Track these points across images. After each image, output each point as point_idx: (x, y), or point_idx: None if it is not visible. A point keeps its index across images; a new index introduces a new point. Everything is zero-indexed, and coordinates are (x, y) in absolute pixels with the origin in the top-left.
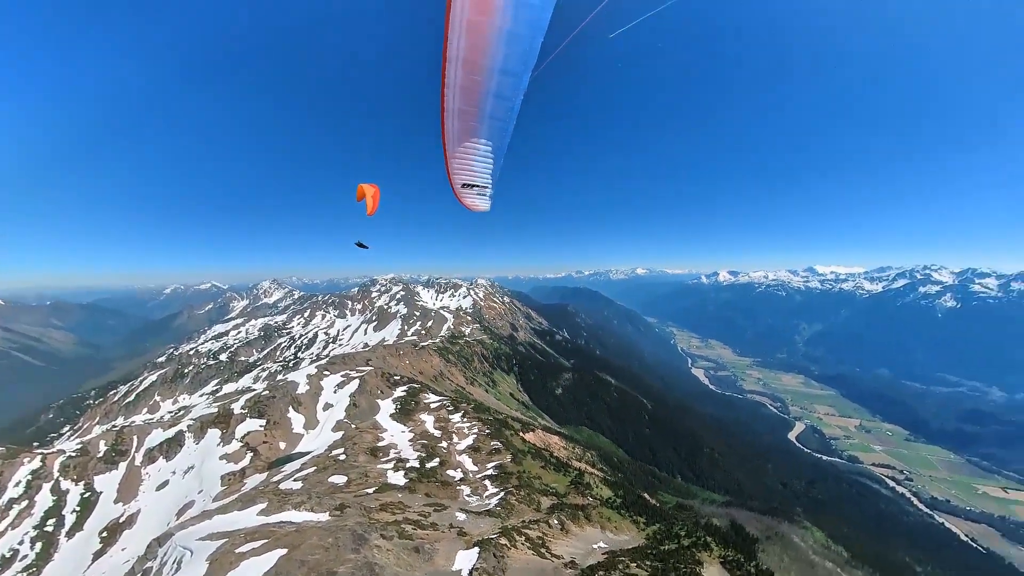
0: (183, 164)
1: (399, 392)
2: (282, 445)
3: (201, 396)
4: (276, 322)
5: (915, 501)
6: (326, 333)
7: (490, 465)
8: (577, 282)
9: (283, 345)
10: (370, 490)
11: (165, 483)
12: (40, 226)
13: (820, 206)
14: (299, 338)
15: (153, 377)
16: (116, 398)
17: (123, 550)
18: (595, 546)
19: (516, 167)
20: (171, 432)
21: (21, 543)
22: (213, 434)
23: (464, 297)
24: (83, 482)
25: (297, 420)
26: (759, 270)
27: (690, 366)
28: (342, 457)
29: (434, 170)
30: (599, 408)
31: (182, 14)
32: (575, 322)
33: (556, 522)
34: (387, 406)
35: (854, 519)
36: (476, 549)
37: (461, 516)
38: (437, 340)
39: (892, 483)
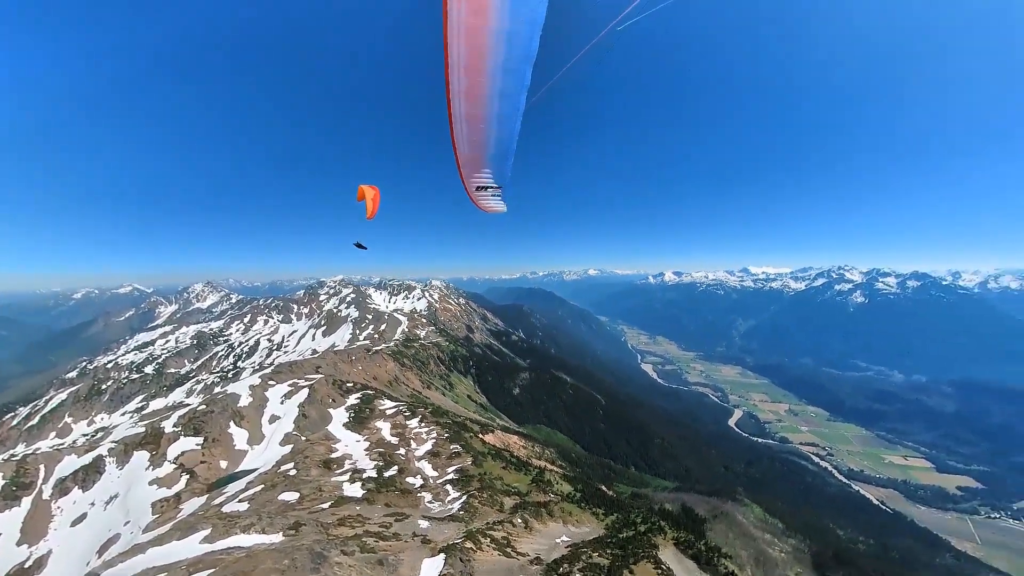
0: (94, 153)
1: (352, 400)
2: (223, 464)
3: (124, 415)
4: (211, 329)
5: (835, 473)
6: (269, 340)
7: (451, 469)
8: (532, 283)
9: (220, 354)
10: (326, 505)
11: (82, 517)
12: None
13: (754, 213)
14: (239, 346)
15: (62, 395)
16: (14, 422)
17: None
18: (558, 540)
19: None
20: (88, 458)
21: None
22: (140, 457)
23: (418, 299)
24: None
25: (240, 436)
26: (700, 271)
27: (640, 362)
28: (293, 472)
29: (389, 166)
30: (556, 406)
31: None
32: (530, 322)
33: (520, 521)
34: (340, 415)
35: (786, 493)
36: (442, 556)
37: (424, 524)
38: (391, 344)
39: (816, 459)
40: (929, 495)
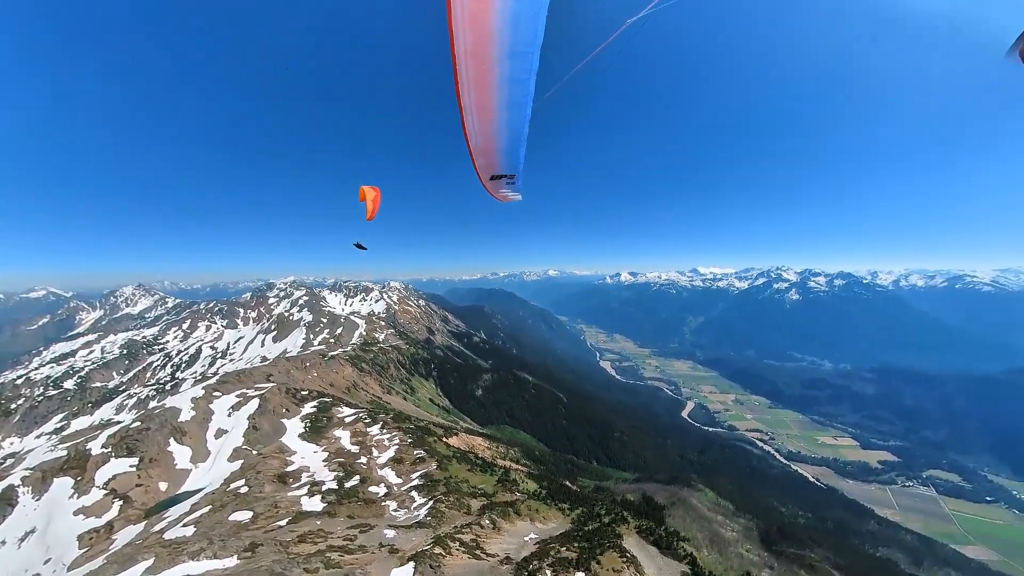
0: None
1: (308, 409)
2: (163, 486)
3: (39, 437)
4: (144, 336)
5: (777, 456)
6: (212, 347)
7: (415, 475)
8: (493, 283)
9: (155, 364)
10: (283, 522)
11: None
12: None
13: (703, 216)
14: (177, 355)
15: None
16: None
17: None
18: (527, 538)
19: (431, 170)
20: None
21: None
22: (62, 484)
23: (376, 301)
24: None
25: (181, 454)
26: (654, 271)
27: (598, 359)
28: (244, 489)
29: (345, 160)
30: (519, 406)
31: None
32: (492, 323)
33: (488, 522)
34: (294, 425)
35: (735, 477)
36: (411, 564)
37: (390, 533)
38: (348, 348)
39: (760, 443)
40: (855, 470)
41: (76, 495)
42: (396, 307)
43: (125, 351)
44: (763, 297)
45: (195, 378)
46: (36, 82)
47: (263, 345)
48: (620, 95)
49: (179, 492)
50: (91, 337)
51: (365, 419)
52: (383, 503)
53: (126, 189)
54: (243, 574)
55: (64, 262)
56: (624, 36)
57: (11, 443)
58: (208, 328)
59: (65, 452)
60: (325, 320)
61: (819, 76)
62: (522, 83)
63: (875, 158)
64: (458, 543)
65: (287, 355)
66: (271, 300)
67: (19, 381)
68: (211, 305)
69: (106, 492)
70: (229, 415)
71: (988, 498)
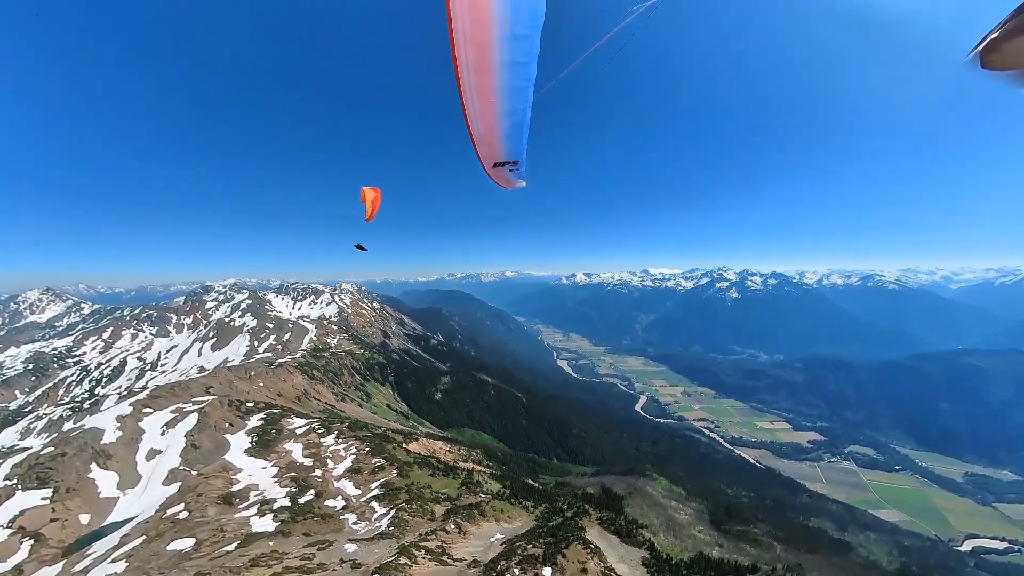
0: None
1: (254, 422)
2: (84, 519)
3: None
4: (55, 348)
5: (722, 442)
6: (140, 358)
7: (375, 485)
8: (450, 285)
9: (70, 380)
10: (231, 547)
11: None
12: None
13: (652, 219)
14: (97, 368)
15: None
16: None
17: None
18: (493, 539)
19: (386, 168)
20: None
21: None
22: None
23: (327, 304)
24: None
25: (106, 480)
26: (608, 272)
27: (555, 358)
28: (184, 515)
29: (290, 156)
30: (479, 407)
31: None
32: (449, 325)
33: (453, 526)
34: (240, 440)
35: (686, 464)
36: None
37: (351, 547)
38: (298, 355)
39: (707, 431)
40: (789, 450)
41: None
42: (349, 310)
43: (31, 366)
44: (707, 296)
45: (120, 394)
46: None
47: (200, 354)
48: (574, 101)
49: (105, 524)
50: None
51: (318, 429)
52: (342, 517)
53: (28, 176)
54: None
55: None
56: (627, 30)
57: None
58: (134, 337)
59: None
60: (271, 325)
61: (757, 94)
62: (523, 67)
63: (801, 168)
64: (423, 551)
65: (229, 364)
66: (209, 304)
67: None
68: (137, 311)
69: (12, 531)
70: (163, 433)
71: (897, 467)
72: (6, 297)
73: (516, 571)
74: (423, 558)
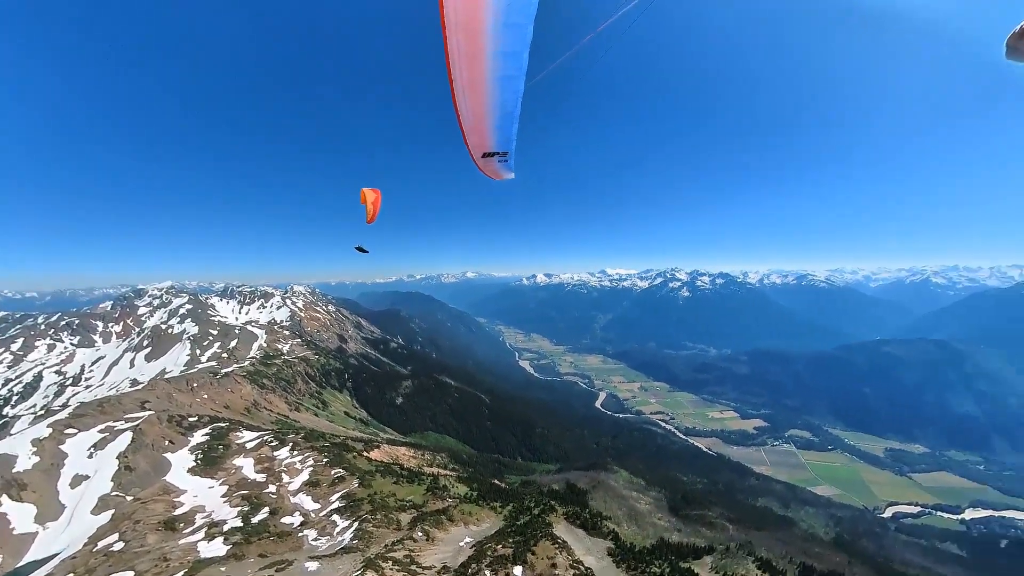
0: None
1: (199, 437)
2: None
3: None
4: None
5: (677, 433)
6: (59, 372)
7: (335, 497)
8: (409, 286)
9: None
10: None
11: None
12: None
13: (609, 220)
14: (4, 385)
15: None
16: None
17: None
18: (462, 543)
19: (343, 163)
20: None
21: None
22: None
23: (278, 308)
24: None
25: (21, 514)
26: (567, 272)
27: (517, 359)
28: (119, 546)
29: (237, 149)
30: (442, 410)
31: None
32: (409, 327)
33: (420, 534)
34: (182, 459)
35: (644, 456)
36: None
37: (313, 566)
38: (246, 363)
39: (663, 424)
40: (737, 437)
41: None
42: (302, 314)
43: None
44: (661, 295)
45: (36, 413)
46: None
47: (133, 365)
48: (536, 102)
49: (21, 564)
50: None
51: (271, 442)
52: (301, 534)
53: None
54: None
55: None
56: (621, 22)
57: None
58: (51, 348)
59: None
60: (216, 332)
61: (702, 100)
62: (515, 56)
63: (746, 174)
64: (391, 562)
65: (167, 376)
66: (141, 310)
67: None
68: (54, 318)
69: None
70: (90, 456)
71: (829, 447)
72: None
73: (487, 573)
74: (391, 569)
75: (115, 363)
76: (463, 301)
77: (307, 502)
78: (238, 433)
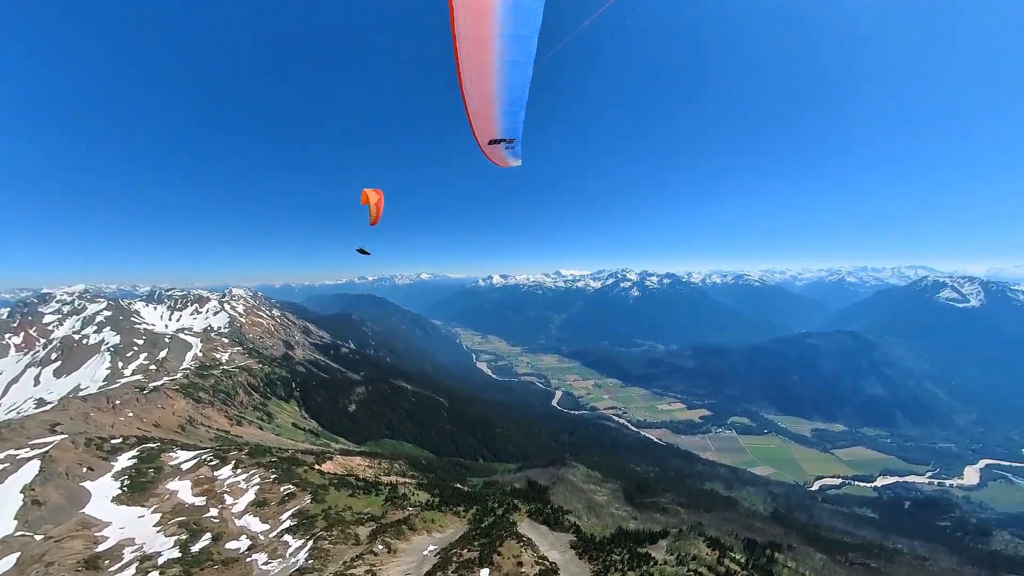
0: None
1: (124, 462)
2: None
3: None
4: None
5: (629, 426)
6: None
7: (286, 515)
8: (360, 288)
9: None
10: None
11: None
12: None
13: (562, 222)
14: None
15: None
16: None
17: None
18: (426, 552)
19: (288, 156)
20: None
21: None
22: None
23: (216, 313)
24: None
25: None
26: (523, 274)
27: (475, 361)
28: None
29: (166, 139)
30: (399, 416)
31: None
32: (362, 331)
33: (381, 547)
34: (104, 487)
35: (600, 449)
36: None
37: None
38: (179, 376)
39: (616, 418)
40: (685, 427)
41: None
42: (243, 319)
43: None
44: (612, 295)
45: None
46: None
47: (38, 382)
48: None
49: None
50: None
51: (210, 461)
52: (249, 559)
53: None
54: None
55: None
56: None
57: None
58: None
59: None
60: (141, 341)
61: (648, 112)
62: (525, 40)
63: (692, 177)
64: None
65: (82, 393)
66: (48, 318)
67: None
68: None
69: None
70: None
71: (765, 431)
72: None
73: None
74: None
75: (15, 380)
76: (418, 303)
77: (255, 524)
78: (171, 453)
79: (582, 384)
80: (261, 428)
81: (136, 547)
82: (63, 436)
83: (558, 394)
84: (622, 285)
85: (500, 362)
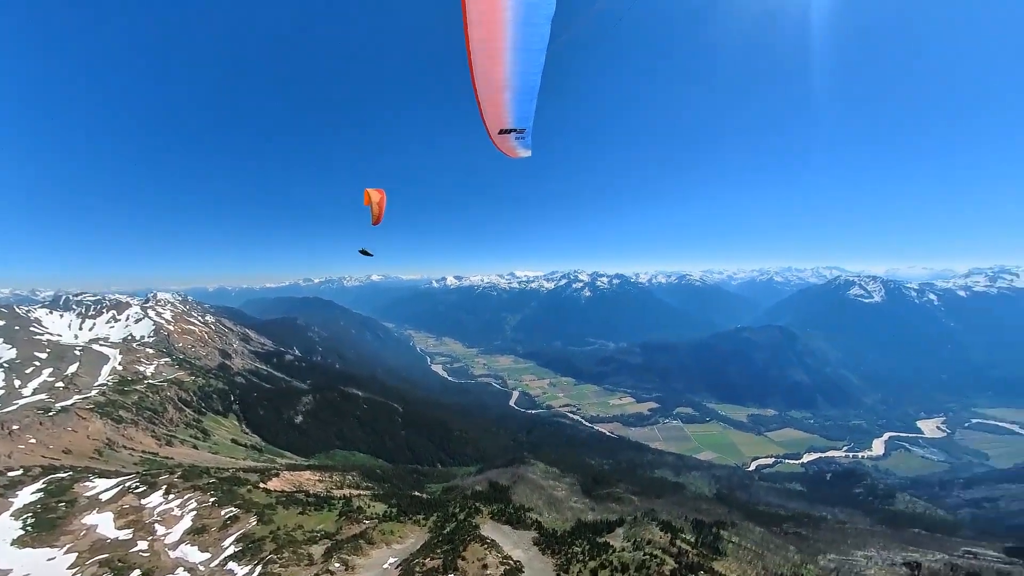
0: None
1: (27, 496)
2: None
3: None
4: None
5: (584, 422)
6: None
7: (229, 541)
8: (306, 291)
9: None
10: None
11: None
12: None
13: (516, 223)
14: None
15: None
16: None
17: None
18: (386, 565)
19: (220, 149)
20: None
21: None
22: None
23: (137, 320)
24: None
25: None
26: (477, 275)
27: (430, 364)
28: None
29: (72, 128)
30: (350, 425)
31: None
32: (307, 337)
33: (338, 564)
34: (2, 529)
35: (557, 446)
36: None
37: None
38: (93, 393)
39: (571, 415)
40: (635, 419)
41: None
42: (171, 327)
43: None
44: (565, 295)
45: None
46: None
47: None
48: (438, 97)
49: None
50: None
51: (136, 488)
52: None
53: None
54: None
55: None
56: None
57: None
58: None
59: None
60: (44, 355)
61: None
62: (537, 27)
63: (635, 181)
64: None
65: None
66: None
67: None
68: None
69: None
70: None
71: (707, 419)
72: None
73: None
74: None
75: None
76: (368, 306)
77: (193, 553)
78: (87, 483)
79: (538, 383)
80: (196, 447)
81: None
82: None
83: (515, 394)
84: (574, 286)
85: (456, 364)
